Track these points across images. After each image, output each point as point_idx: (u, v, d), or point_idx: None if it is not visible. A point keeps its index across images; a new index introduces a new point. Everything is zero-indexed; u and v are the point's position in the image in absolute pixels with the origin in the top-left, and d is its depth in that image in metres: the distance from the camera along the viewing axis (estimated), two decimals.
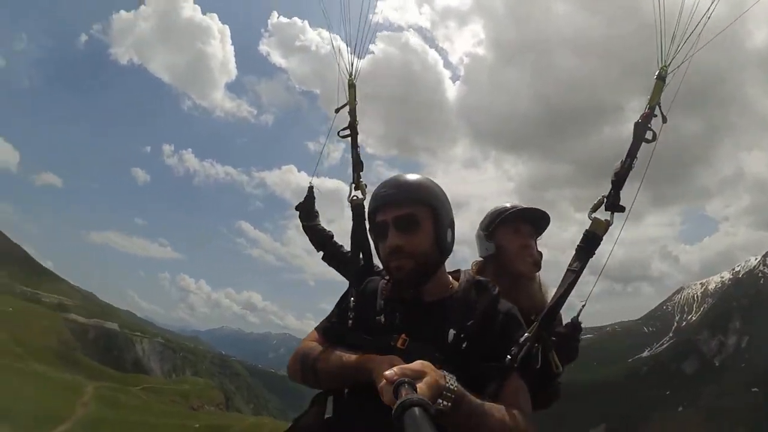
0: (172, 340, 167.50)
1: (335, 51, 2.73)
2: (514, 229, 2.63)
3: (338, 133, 2.68)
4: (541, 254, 2.65)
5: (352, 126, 2.66)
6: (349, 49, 2.72)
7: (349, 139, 2.67)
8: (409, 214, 1.86)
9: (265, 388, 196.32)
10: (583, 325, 2.30)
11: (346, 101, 2.74)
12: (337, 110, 2.71)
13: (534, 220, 2.69)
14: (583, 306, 2.30)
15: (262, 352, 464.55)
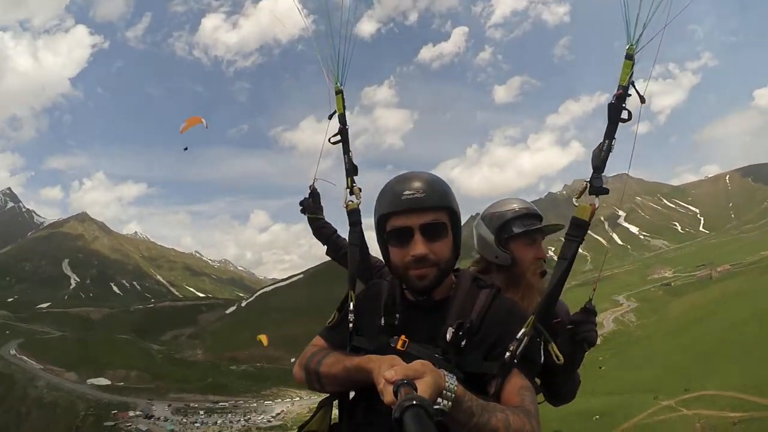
0: None
1: (321, 60, 2.70)
2: (531, 240, 2.58)
3: (329, 139, 2.65)
4: (545, 261, 2.61)
5: (342, 131, 2.63)
6: (334, 57, 2.68)
7: (341, 144, 2.63)
8: (437, 222, 1.80)
9: None
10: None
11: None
12: (330, 116, 2.68)
13: (549, 232, 2.66)
14: (594, 290, 2.27)
15: None
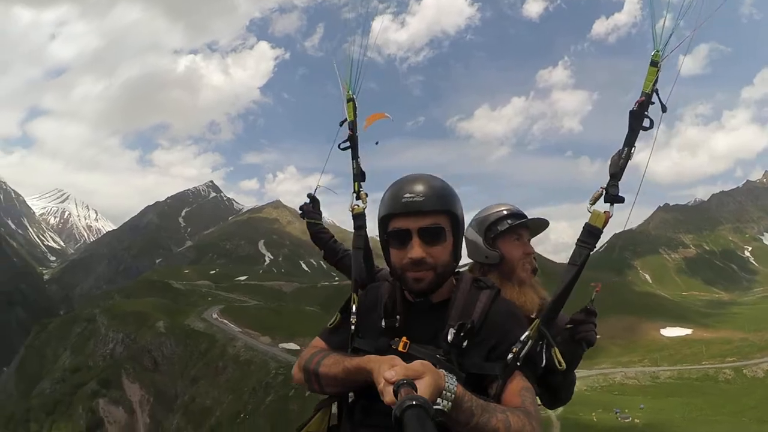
0: None
1: (338, 71, 2.86)
2: (516, 236, 2.60)
3: (339, 145, 2.73)
4: (536, 258, 2.65)
5: (351, 138, 2.71)
6: (347, 67, 2.79)
7: (350, 150, 2.74)
8: (435, 226, 1.78)
9: None
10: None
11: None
12: (342, 123, 2.78)
13: (534, 227, 2.70)
14: (596, 291, 2.19)
15: None
